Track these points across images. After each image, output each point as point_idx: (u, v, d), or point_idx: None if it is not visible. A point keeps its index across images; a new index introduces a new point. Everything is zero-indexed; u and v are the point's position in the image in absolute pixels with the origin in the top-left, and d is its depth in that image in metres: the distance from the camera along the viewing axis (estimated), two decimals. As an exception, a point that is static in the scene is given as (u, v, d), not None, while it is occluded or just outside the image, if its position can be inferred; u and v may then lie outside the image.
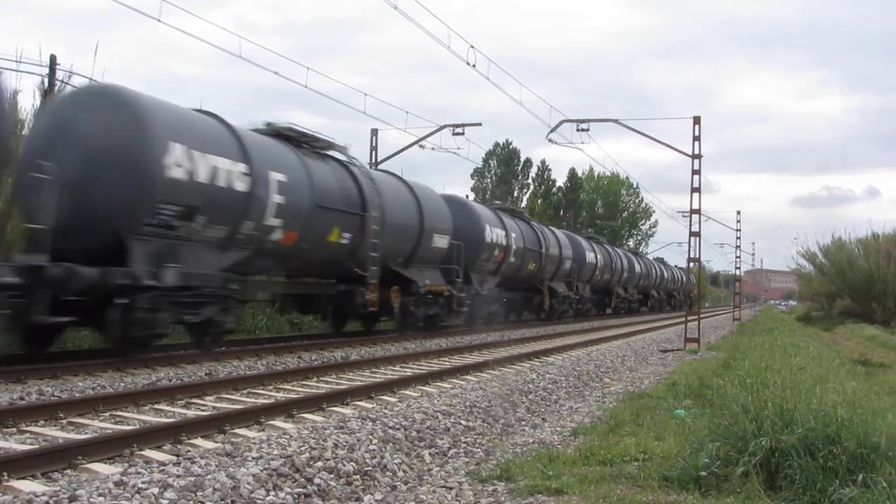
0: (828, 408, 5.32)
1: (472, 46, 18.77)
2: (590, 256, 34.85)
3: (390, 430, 6.88)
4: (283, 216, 13.42)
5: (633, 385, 11.81)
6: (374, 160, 25.95)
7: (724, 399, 6.75)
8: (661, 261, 58.72)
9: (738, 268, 52.30)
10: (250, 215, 12.63)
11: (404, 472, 6.15)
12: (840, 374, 8.97)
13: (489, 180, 64.79)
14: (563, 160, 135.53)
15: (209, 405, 8.62)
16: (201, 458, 5.52)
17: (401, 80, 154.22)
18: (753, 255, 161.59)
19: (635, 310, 46.96)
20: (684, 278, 51.61)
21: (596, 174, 73.91)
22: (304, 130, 15.09)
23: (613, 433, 7.35)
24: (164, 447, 6.34)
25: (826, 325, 36.15)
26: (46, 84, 14.73)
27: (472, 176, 63.59)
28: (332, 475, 5.53)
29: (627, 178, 75.02)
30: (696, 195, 20.78)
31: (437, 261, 19.91)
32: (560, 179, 68.68)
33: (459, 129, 25.52)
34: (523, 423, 8.61)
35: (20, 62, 14.59)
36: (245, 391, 9.60)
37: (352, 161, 16.80)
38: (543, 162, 66.52)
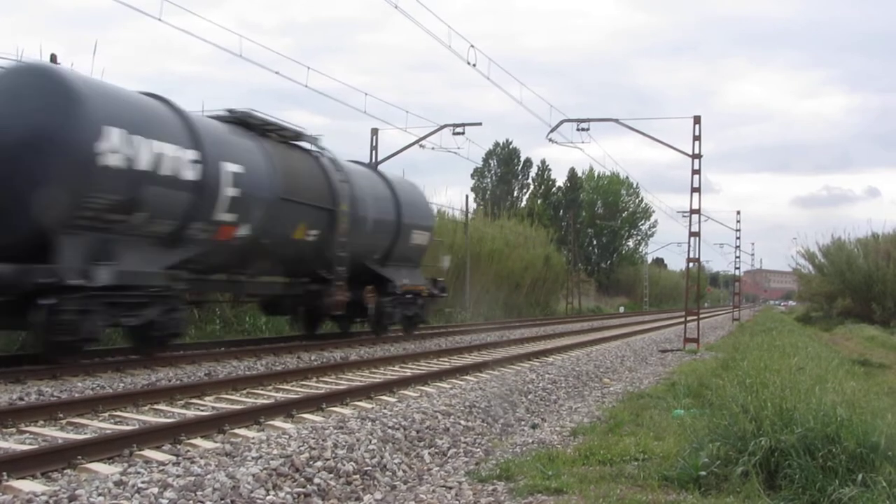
0: (827, 408, 5.31)
1: (472, 46, 18.83)
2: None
3: (390, 430, 6.89)
4: None
5: (633, 385, 11.80)
6: (374, 160, 25.90)
7: (724, 399, 6.74)
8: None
9: (738, 268, 52.38)
10: None
11: (404, 471, 6.16)
12: (839, 374, 8.96)
13: (489, 180, 64.89)
14: (563, 160, 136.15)
15: (208, 405, 8.62)
16: (201, 458, 5.53)
17: (401, 80, 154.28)
18: (753, 255, 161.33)
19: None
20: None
21: (596, 174, 73.94)
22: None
23: (613, 433, 7.35)
24: (163, 447, 6.33)
25: (825, 325, 36.11)
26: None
27: (472, 176, 63.79)
28: (331, 475, 5.53)
29: (627, 177, 75.05)
30: (696, 195, 20.81)
31: None
32: (560, 179, 68.88)
33: (459, 129, 25.44)
34: (523, 422, 8.61)
35: (20, 62, 14.54)
36: (244, 391, 9.60)
37: None
38: (543, 162, 66.74)
